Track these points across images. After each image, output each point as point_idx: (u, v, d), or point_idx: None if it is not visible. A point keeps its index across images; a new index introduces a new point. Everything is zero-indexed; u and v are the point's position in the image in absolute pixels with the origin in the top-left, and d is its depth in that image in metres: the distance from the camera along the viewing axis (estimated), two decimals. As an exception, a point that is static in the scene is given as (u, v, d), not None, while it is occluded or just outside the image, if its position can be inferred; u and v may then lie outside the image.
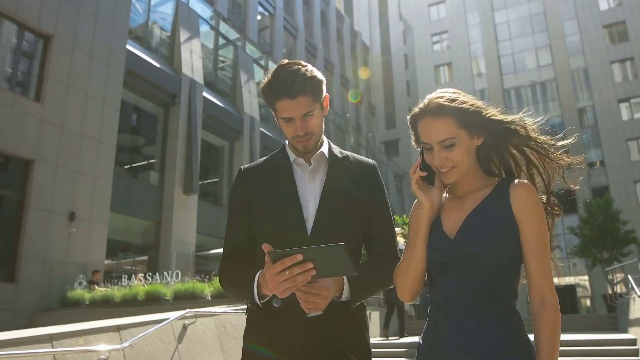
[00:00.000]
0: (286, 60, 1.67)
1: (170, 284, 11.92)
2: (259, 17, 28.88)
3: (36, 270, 13.40)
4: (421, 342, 1.50)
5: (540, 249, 1.37)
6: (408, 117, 1.52)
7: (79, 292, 13.03)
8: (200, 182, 19.48)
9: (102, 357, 5.52)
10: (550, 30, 41.03)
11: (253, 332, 1.68)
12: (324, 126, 1.74)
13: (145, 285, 12.30)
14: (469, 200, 1.47)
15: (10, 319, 12.41)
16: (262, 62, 26.50)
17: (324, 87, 1.67)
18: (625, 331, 9.85)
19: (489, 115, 1.46)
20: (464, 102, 1.43)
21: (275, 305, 1.56)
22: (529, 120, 1.52)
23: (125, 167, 19.01)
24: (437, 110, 1.41)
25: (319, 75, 1.65)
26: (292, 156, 1.73)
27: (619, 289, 16.28)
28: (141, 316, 6.96)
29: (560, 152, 1.52)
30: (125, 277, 12.87)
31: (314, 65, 1.69)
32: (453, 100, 1.42)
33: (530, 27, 42.14)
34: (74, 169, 14.74)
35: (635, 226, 28.62)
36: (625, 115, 36.72)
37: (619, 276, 16.54)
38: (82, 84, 15.31)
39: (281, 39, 30.15)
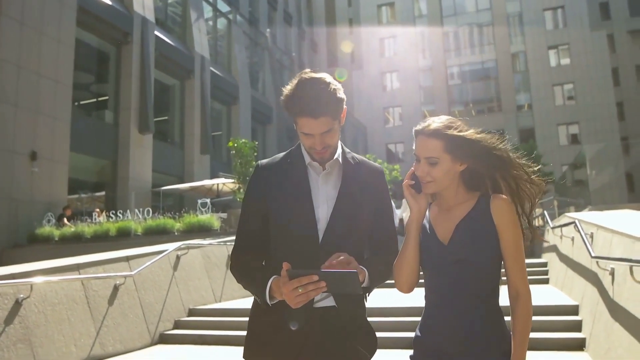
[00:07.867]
0: (309, 73, 1.72)
1: (141, 221, 12.69)
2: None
3: (2, 209, 13.75)
4: (419, 332, 1.72)
5: (516, 253, 1.61)
6: (414, 129, 1.71)
7: (48, 229, 13.55)
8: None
9: (118, 282, 6.51)
10: (490, -26, 42.09)
11: (259, 319, 1.81)
12: (340, 135, 1.81)
13: (115, 222, 13.00)
14: (456, 212, 1.69)
15: (-20, 255, 12.89)
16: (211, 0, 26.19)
17: (344, 104, 1.74)
18: (540, 257, 11.75)
19: (478, 145, 1.65)
20: (458, 133, 1.65)
21: (293, 328, 1.69)
22: (512, 153, 1.72)
23: (81, 106, 18.96)
24: (431, 133, 1.64)
25: (341, 94, 1.72)
26: (307, 159, 1.81)
27: (537, 222, 18.55)
28: (143, 247, 7.95)
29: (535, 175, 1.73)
30: (95, 214, 13.48)
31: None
32: (448, 127, 1.65)
33: (472, -30, 43.01)
34: (33, 109, 14.80)
35: (555, 165, 31.49)
36: (553, 62, 39.09)
37: (538, 211, 18.72)
38: (35, 22, 15.07)
39: (225, -29, 29.41)
